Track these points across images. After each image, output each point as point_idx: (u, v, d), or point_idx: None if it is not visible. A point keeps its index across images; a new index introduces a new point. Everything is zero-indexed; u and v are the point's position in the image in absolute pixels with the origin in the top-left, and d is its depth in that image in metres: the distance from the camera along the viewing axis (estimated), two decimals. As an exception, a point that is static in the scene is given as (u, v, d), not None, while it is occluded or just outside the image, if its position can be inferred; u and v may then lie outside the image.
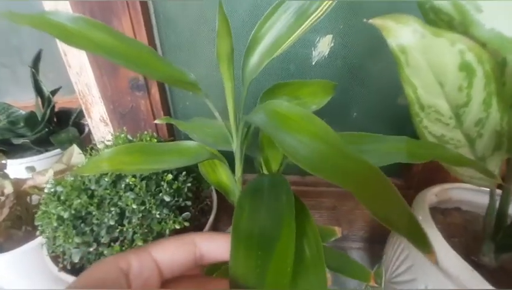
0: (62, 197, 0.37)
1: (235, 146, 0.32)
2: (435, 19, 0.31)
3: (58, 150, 0.69)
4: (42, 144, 0.72)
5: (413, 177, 0.58)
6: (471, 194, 0.52)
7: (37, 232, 0.40)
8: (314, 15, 0.25)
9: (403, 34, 0.24)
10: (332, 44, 0.49)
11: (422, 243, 0.16)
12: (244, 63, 0.27)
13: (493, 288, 0.32)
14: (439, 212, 0.52)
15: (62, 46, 0.50)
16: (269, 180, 0.28)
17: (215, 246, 0.21)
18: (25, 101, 1.09)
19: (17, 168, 0.68)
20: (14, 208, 0.50)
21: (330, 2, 0.25)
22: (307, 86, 0.38)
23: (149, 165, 0.28)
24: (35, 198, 0.53)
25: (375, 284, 0.35)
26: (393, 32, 0.24)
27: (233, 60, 0.26)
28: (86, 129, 0.80)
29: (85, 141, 0.73)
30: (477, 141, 0.29)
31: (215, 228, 0.60)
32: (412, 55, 0.24)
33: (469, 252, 0.45)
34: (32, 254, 0.50)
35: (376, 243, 0.68)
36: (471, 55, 0.24)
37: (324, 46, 0.50)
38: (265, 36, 0.27)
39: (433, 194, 0.51)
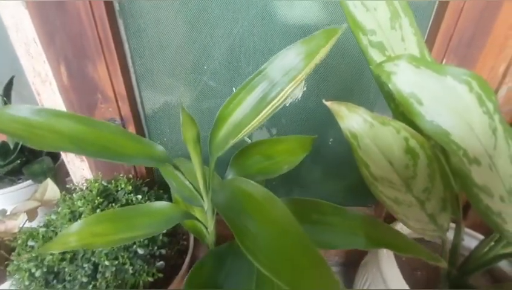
0: (33, 253, 0.37)
1: (206, 207, 0.34)
2: (389, 90, 0.34)
3: (28, 183, 0.68)
4: (15, 174, 0.70)
5: (383, 207, 0.61)
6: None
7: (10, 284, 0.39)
8: (276, 100, 0.27)
9: (355, 121, 0.26)
10: (305, 88, 0.52)
11: None
12: (211, 139, 0.29)
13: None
14: (404, 244, 0.56)
15: (34, 86, 0.50)
16: (236, 249, 0.30)
17: None
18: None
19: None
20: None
21: (290, 89, 0.27)
22: (280, 143, 0.40)
23: (121, 235, 0.29)
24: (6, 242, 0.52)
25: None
26: (345, 119, 0.26)
27: (200, 142, 0.27)
28: (61, 156, 0.78)
29: (59, 171, 0.72)
30: (426, 203, 0.32)
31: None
32: (363, 141, 0.26)
33: (429, 286, 0.49)
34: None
35: (350, 267, 0.72)
36: (414, 142, 0.27)
37: (297, 90, 0.52)
38: (232, 115, 0.28)
39: (398, 228, 0.54)
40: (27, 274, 0.36)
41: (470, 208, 0.63)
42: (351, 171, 0.62)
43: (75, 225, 0.28)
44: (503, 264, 0.47)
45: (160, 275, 0.39)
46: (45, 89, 0.50)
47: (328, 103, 0.27)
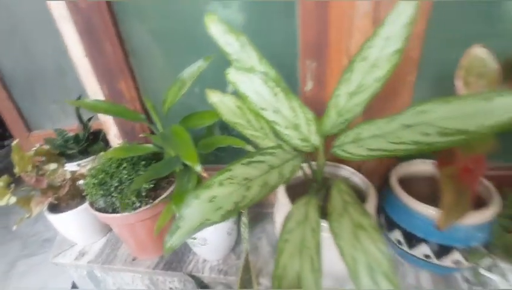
0: (94, 174, 0.77)
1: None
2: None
3: (92, 157, 1.13)
4: (83, 154, 1.16)
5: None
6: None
7: (84, 193, 0.81)
8: None
9: (215, 96, 0.61)
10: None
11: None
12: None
13: None
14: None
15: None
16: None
17: None
18: (68, 125, 1.58)
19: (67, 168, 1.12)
20: (71, 187, 0.92)
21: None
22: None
23: (130, 153, 0.68)
24: (80, 184, 0.96)
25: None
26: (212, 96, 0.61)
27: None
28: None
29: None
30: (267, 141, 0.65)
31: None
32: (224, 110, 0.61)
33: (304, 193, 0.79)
34: (81, 213, 0.92)
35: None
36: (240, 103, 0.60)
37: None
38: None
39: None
40: (91, 183, 0.76)
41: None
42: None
43: (112, 149, 0.67)
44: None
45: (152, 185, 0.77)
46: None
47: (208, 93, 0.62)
